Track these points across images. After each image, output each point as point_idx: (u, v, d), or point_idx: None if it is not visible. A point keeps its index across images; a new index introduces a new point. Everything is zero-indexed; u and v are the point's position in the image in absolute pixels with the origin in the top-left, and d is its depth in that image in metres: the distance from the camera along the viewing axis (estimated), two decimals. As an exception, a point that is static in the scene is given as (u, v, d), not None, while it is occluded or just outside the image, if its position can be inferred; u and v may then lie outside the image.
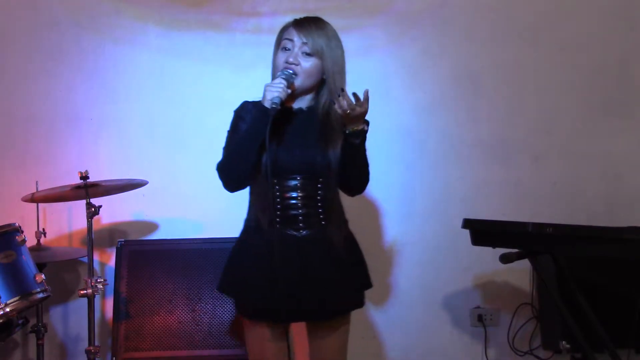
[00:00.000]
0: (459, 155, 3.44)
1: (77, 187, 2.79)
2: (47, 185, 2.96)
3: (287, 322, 2.27)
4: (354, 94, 2.12)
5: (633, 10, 3.48)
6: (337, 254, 2.27)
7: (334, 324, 2.31)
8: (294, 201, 2.21)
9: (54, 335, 3.31)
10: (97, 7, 3.33)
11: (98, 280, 2.79)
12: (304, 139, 2.24)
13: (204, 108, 3.31)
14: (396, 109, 3.43)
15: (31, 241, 2.97)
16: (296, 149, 2.22)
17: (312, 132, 2.24)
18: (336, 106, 2.14)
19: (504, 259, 2.53)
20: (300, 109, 2.28)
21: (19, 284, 2.60)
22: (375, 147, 3.38)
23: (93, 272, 2.81)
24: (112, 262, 3.23)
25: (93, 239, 2.83)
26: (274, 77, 2.23)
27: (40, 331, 3.01)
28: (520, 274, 3.36)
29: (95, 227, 2.90)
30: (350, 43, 3.36)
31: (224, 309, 3.02)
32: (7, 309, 2.52)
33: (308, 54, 2.20)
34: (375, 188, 3.41)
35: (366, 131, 2.24)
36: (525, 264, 2.81)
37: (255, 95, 2.23)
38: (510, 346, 3.42)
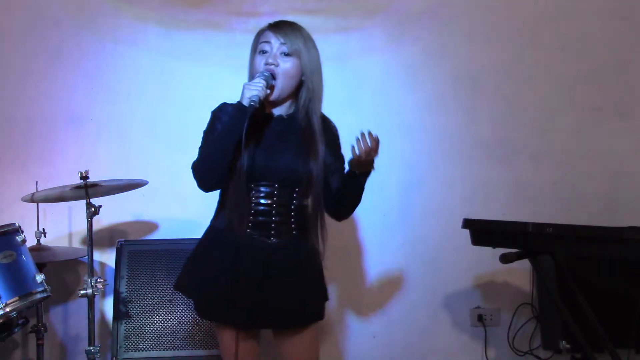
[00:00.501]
0: (459, 155, 3.44)
1: (77, 187, 2.78)
2: (47, 185, 2.95)
3: (248, 329, 2.24)
4: (369, 133, 2.12)
5: (633, 10, 3.48)
6: (303, 265, 2.26)
7: (298, 330, 2.28)
8: (267, 208, 2.20)
9: (54, 335, 3.31)
10: (97, 7, 3.33)
11: (98, 280, 2.78)
12: (285, 146, 2.22)
13: (204, 108, 3.26)
14: (396, 109, 3.43)
15: (31, 241, 2.97)
16: (276, 155, 2.20)
17: (294, 140, 2.23)
18: (354, 150, 2.14)
19: (504, 259, 2.53)
20: (280, 116, 2.27)
21: (19, 284, 2.60)
22: (375, 147, 3.42)
23: (93, 272, 2.81)
24: (112, 262, 3.23)
25: (93, 239, 2.82)
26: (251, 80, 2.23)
27: (40, 331, 3.01)
28: (520, 274, 3.37)
29: (95, 227, 2.89)
30: (350, 43, 3.42)
31: (224, 309, 3.02)
32: (7, 309, 2.52)
33: (286, 54, 2.19)
34: (375, 188, 3.40)
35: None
36: (525, 264, 2.81)
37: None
38: (510, 346, 3.42)
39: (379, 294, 3.41)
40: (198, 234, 3.24)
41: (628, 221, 3.00)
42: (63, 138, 3.34)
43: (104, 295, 3.24)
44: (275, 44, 2.20)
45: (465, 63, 3.45)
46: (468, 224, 2.69)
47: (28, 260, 2.69)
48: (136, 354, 3.01)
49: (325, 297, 2.34)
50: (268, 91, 2.15)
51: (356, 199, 2.33)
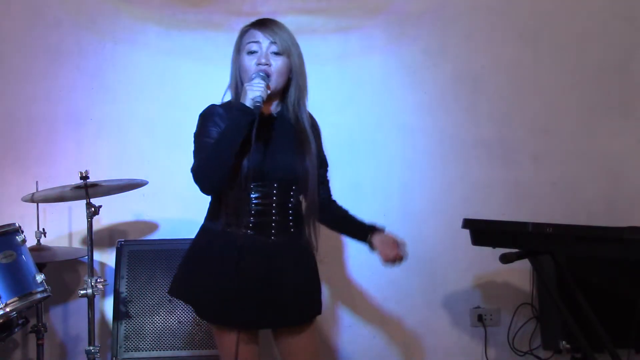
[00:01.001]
0: (459, 155, 3.44)
1: (77, 187, 2.79)
2: (47, 185, 2.95)
3: (254, 329, 2.25)
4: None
5: (633, 10, 3.48)
6: (302, 261, 2.28)
7: (302, 326, 2.29)
8: (267, 207, 2.19)
9: (54, 335, 3.31)
10: (97, 7, 3.33)
11: (98, 280, 2.78)
12: (280, 145, 2.22)
13: (204, 108, 3.31)
14: (396, 109, 3.43)
15: (31, 241, 2.97)
16: (274, 154, 2.20)
17: (287, 139, 2.24)
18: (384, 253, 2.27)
19: (504, 259, 2.52)
20: (270, 115, 2.26)
21: (19, 284, 2.60)
22: (376, 147, 3.42)
23: (93, 272, 2.81)
24: (112, 262, 3.23)
25: (93, 239, 2.83)
26: (236, 83, 2.23)
27: (40, 331, 3.01)
28: (520, 274, 3.37)
29: (95, 227, 2.89)
30: (350, 43, 3.42)
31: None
32: (7, 309, 2.52)
33: (277, 53, 2.19)
34: (376, 188, 3.41)
35: None
36: (525, 264, 2.81)
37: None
38: (510, 346, 3.42)
39: (379, 294, 3.41)
40: (198, 234, 3.27)
41: (628, 221, 2.99)
42: (63, 138, 3.34)
43: (104, 295, 3.24)
44: (264, 43, 2.18)
45: (465, 63, 3.45)
46: (468, 224, 2.68)
47: (28, 260, 2.69)
48: (136, 354, 3.01)
49: (320, 292, 2.36)
50: (269, 91, 2.15)
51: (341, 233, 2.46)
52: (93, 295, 2.78)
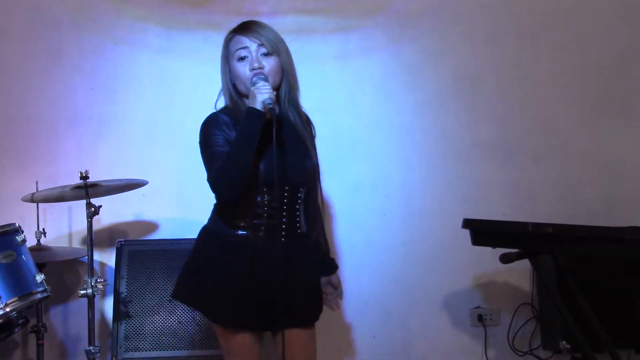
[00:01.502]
0: (459, 155, 3.44)
1: (77, 187, 2.79)
2: (47, 185, 2.96)
3: (269, 330, 2.26)
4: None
5: (633, 10, 3.48)
6: (311, 260, 2.30)
7: (305, 331, 2.30)
8: (278, 210, 2.19)
9: (54, 335, 3.31)
10: (97, 7, 3.33)
11: (98, 280, 2.79)
12: (289, 146, 2.22)
13: (204, 108, 3.28)
14: (396, 109, 3.43)
15: (31, 241, 2.97)
16: (287, 156, 2.20)
17: (293, 139, 2.24)
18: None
19: (504, 259, 2.53)
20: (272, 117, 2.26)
21: (19, 284, 2.60)
22: (376, 147, 3.42)
23: (93, 272, 2.81)
24: (112, 262, 3.23)
25: (93, 239, 2.83)
26: (229, 91, 2.23)
27: (40, 331, 3.01)
28: (520, 274, 3.37)
29: (95, 227, 2.90)
30: (350, 43, 3.42)
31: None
32: (7, 309, 2.52)
33: (267, 54, 2.19)
34: (376, 187, 3.41)
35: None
36: (525, 264, 2.81)
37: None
38: (510, 346, 3.42)
39: (379, 294, 3.41)
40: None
41: (628, 221, 3.00)
42: (63, 138, 3.34)
43: (104, 295, 3.24)
44: (252, 47, 2.19)
45: (465, 63, 3.45)
46: (468, 224, 2.68)
47: (28, 260, 2.69)
48: (136, 354, 3.01)
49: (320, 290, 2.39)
50: (274, 93, 2.15)
51: None
52: (93, 295, 2.79)
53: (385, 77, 3.43)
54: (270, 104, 2.08)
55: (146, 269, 3.11)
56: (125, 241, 3.18)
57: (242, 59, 2.19)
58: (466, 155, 3.44)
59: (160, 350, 3.02)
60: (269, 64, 2.19)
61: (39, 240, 3.08)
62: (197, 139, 2.24)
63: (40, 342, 3.02)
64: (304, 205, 2.26)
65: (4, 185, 3.29)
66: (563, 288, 2.91)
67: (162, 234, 3.36)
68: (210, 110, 2.32)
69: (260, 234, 2.18)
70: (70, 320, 3.33)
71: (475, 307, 3.46)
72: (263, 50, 2.19)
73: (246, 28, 2.22)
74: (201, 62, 3.33)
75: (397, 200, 3.43)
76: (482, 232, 2.67)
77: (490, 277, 3.46)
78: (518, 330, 3.43)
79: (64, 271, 3.32)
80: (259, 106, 2.08)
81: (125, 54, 3.35)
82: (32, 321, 3.00)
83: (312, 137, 2.35)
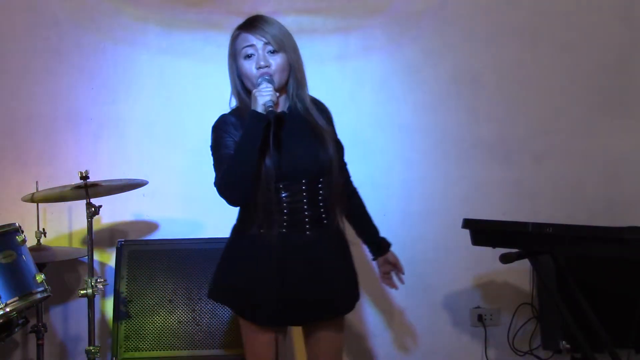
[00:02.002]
0: (459, 155, 3.44)
1: (77, 187, 2.78)
2: (47, 185, 2.95)
3: (298, 325, 2.28)
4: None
5: (633, 10, 3.48)
6: (339, 251, 2.30)
7: (334, 322, 2.32)
8: (299, 204, 2.20)
9: (54, 335, 3.31)
10: (97, 7, 3.33)
11: (98, 280, 2.79)
12: (301, 139, 2.23)
13: (204, 108, 3.28)
14: (396, 109, 3.43)
15: (31, 241, 2.97)
16: (297, 150, 2.20)
17: (305, 132, 2.24)
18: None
19: (504, 259, 2.53)
20: (283, 112, 2.26)
21: (19, 284, 2.60)
22: (376, 147, 3.42)
23: (93, 272, 2.81)
24: (112, 262, 3.23)
25: (93, 239, 2.83)
26: (237, 89, 2.24)
27: (40, 331, 3.01)
28: (520, 274, 3.37)
29: (95, 227, 2.90)
30: (350, 43, 3.42)
31: (224, 309, 3.01)
32: (7, 309, 2.52)
33: (273, 52, 2.19)
34: (376, 187, 3.41)
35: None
36: (525, 264, 2.81)
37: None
38: (510, 346, 3.42)
39: (379, 294, 3.41)
40: (199, 234, 3.28)
41: (628, 221, 3.00)
42: (63, 138, 3.34)
43: (104, 295, 3.24)
44: (259, 44, 2.19)
45: (465, 63, 3.45)
46: (468, 224, 2.68)
47: (28, 260, 2.69)
48: (136, 354, 3.01)
49: (356, 281, 2.39)
50: (277, 94, 2.15)
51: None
52: (93, 295, 2.79)
53: (385, 77, 3.43)
54: (271, 106, 2.08)
55: (146, 269, 3.10)
56: (125, 241, 3.17)
57: (248, 56, 2.19)
58: (466, 155, 3.44)
59: (160, 350, 3.02)
60: (276, 62, 2.18)
61: (39, 240, 3.08)
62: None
63: (40, 342, 3.02)
64: (326, 195, 2.25)
65: (4, 185, 3.29)
66: (563, 288, 2.90)
67: (162, 234, 3.36)
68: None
69: (284, 230, 2.19)
70: (70, 320, 3.33)
71: (475, 307, 3.46)
72: (270, 47, 2.19)
73: (252, 25, 2.23)
74: (201, 62, 3.34)
75: (397, 200, 3.43)
76: (482, 232, 2.67)
77: (490, 277, 3.46)
78: (518, 330, 3.43)
79: (64, 271, 3.32)
80: (260, 109, 2.09)
81: (125, 54, 3.35)
82: (32, 321, 3.00)
83: (331, 124, 2.35)
